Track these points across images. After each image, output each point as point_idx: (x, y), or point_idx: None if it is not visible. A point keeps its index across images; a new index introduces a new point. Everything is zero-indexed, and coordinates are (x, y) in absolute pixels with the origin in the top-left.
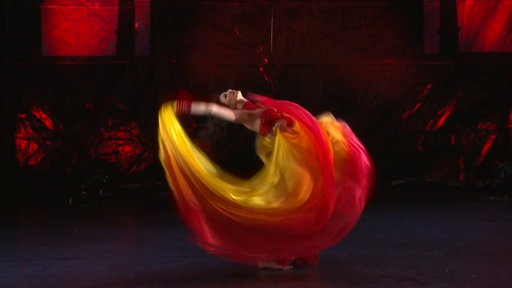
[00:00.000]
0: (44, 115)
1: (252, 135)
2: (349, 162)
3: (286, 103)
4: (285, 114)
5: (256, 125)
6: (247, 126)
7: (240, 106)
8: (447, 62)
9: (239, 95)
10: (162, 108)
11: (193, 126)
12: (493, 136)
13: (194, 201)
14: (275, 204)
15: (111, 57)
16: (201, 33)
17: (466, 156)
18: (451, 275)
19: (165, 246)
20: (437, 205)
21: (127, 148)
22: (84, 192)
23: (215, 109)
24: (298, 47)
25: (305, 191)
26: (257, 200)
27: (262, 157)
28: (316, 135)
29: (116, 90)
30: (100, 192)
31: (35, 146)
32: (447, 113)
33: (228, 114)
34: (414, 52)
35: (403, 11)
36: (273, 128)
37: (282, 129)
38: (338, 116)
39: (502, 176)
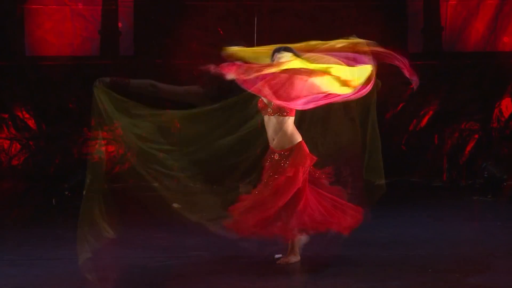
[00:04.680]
0: (27, 115)
1: None
2: None
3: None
4: None
5: None
6: None
7: None
8: (431, 61)
9: None
10: None
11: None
12: (477, 136)
13: None
14: None
15: (95, 57)
16: (185, 33)
17: (450, 155)
18: (434, 274)
19: (149, 246)
20: (420, 204)
21: (110, 148)
22: (67, 192)
23: None
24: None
25: None
26: None
27: None
28: None
29: None
30: (84, 192)
31: (18, 146)
32: (431, 112)
33: None
34: (398, 51)
35: (387, 10)
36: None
37: None
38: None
39: (485, 175)
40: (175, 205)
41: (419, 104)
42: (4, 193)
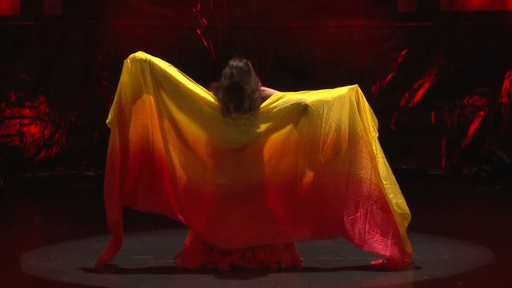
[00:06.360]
0: None
1: None
2: None
3: None
4: None
5: None
6: None
7: None
8: (426, 23)
9: None
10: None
11: None
12: (482, 113)
13: None
14: None
15: (14, 17)
16: None
17: (449, 137)
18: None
19: (80, 248)
20: (414, 197)
21: (33, 129)
22: None
23: None
24: (244, 4)
25: None
26: None
27: None
28: None
29: (20, 57)
30: (1, 182)
31: None
32: (426, 85)
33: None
34: (386, 11)
35: None
36: None
37: None
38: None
39: (493, 161)
40: None
41: (412, 75)
42: None
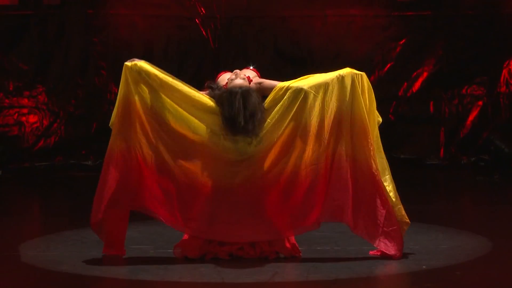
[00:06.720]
0: None
1: None
2: None
3: None
4: None
5: None
6: None
7: None
8: (425, 12)
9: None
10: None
11: None
12: (480, 103)
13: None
14: None
15: (13, 6)
16: None
17: (448, 127)
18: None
19: (79, 238)
20: (412, 186)
21: (32, 119)
22: None
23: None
24: None
25: None
26: None
27: None
28: None
29: (19, 47)
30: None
31: None
32: (425, 74)
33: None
34: (385, 0)
35: None
36: None
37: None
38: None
39: (491, 150)
40: None
41: (410, 65)
42: None
